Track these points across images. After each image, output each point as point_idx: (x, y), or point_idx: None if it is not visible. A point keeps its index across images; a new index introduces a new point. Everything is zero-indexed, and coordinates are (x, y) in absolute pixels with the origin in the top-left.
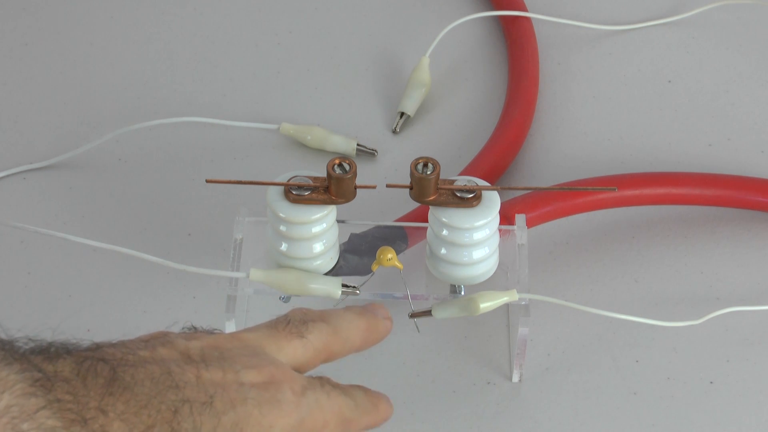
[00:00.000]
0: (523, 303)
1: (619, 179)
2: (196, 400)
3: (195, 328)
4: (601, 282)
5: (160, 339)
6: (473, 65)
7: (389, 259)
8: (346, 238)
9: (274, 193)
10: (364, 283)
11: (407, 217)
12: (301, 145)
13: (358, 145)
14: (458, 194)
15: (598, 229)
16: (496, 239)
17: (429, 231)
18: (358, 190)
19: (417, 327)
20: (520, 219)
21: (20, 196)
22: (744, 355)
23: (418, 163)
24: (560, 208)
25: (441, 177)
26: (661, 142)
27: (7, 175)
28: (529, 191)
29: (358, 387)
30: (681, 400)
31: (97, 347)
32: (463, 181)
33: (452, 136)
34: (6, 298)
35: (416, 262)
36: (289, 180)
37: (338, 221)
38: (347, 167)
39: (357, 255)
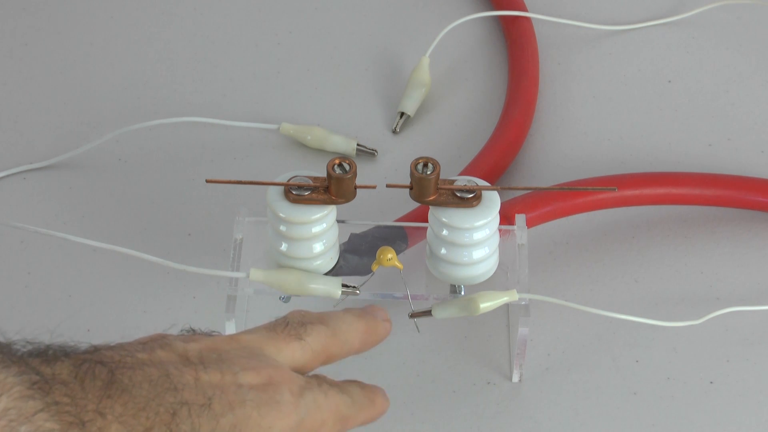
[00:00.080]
0: (523, 303)
1: (619, 179)
2: (195, 403)
3: (193, 330)
4: (601, 282)
5: (158, 341)
6: (473, 65)
7: (389, 259)
8: (346, 238)
9: (274, 193)
10: (364, 283)
11: (407, 217)
12: (301, 145)
13: (358, 145)
14: (458, 194)
15: (598, 229)
16: (496, 239)
17: (429, 231)
18: (358, 190)
19: (417, 327)
20: (520, 219)
21: (20, 196)
22: (744, 355)
23: (418, 163)
24: (560, 208)
25: (441, 177)
26: (661, 142)
27: (7, 175)
28: (529, 191)
29: (354, 383)
30: (681, 400)
31: (95, 350)
32: (463, 181)
33: (452, 136)
34: (6, 298)
35: (416, 262)
36: (289, 180)
37: (338, 221)
38: (347, 167)
39: (357, 255)
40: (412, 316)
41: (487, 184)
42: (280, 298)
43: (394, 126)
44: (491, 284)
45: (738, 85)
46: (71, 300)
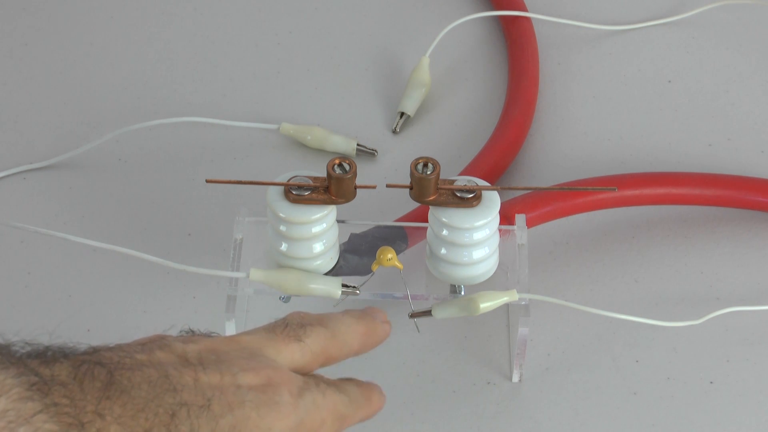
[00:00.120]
0: (523, 303)
1: (619, 179)
2: (194, 404)
3: (192, 331)
4: (601, 282)
5: (158, 342)
6: (473, 65)
7: (389, 259)
8: (346, 238)
9: (274, 193)
10: (364, 283)
11: (407, 217)
12: (301, 145)
13: (358, 145)
14: (458, 194)
15: (598, 229)
16: (496, 239)
17: (429, 231)
18: (358, 190)
19: (417, 327)
20: (520, 219)
21: (20, 196)
22: (744, 355)
23: (418, 163)
24: (560, 208)
25: (441, 177)
26: (661, 142)
27: (7, 175)
28: (529, 191)
29: (351, 381)
30: (681, 400)
31: (94, 351)
32: (463, 181)
33: (452, 136)
34: (6, 298)
35: (416, 262)
36: (289, 180)
37: (338, 221)
38: (347, 167)
39: (357, 255)
40: (412, 316)
41: (487, 184)
42: (280, 298)
43: (394, 126)
44: (491, 284)
45: (738, 85)
46: (71, 300)
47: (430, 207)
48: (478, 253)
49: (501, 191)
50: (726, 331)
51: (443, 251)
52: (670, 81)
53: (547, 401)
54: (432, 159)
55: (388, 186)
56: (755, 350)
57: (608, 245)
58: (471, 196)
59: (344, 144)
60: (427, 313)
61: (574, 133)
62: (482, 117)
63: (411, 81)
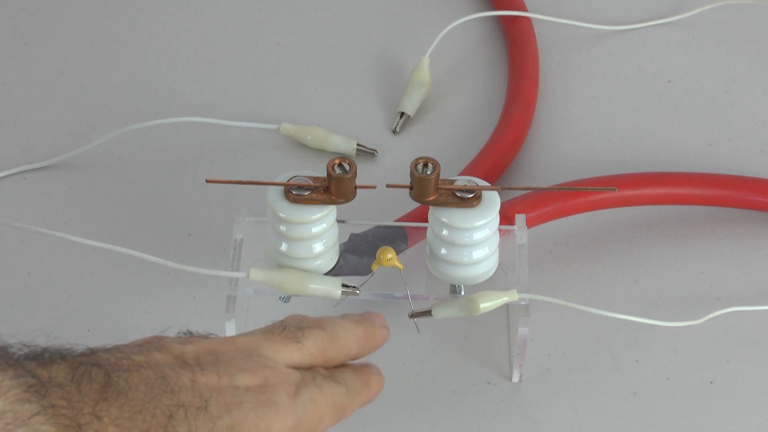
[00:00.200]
0: (523, 303)
1: (619, 179)
2: (191, 405)
3: (190, 332)
4: (601, 282)
5: (155, 343)
6: (473, 65)
7: (389, 259)
8: (346, 238)
9: (274, 193)
10: (364, 283)
11: (407, 217)
12: (301, 145)
13: (358, 145)
14: (458, 194)
15: (598, 229)
16: (496, 239)
17: (429, 231)
18: (358, 190)
19: (417, 327)
20: (520, 219)
21: (20, 196)
22: (744, 355)
23: (418, 163)
24: (560, 208)
25: (441, 177)
26: (661, 142)
27: (7, 175)
28: (529, 191)
29: (347, 368)
30: (681, 400)
31: (92, 352)
32: (463, 181)
33: (452, 136)
34: (6, 298)
35: (416, 262)
36: (289, 180)
37: (338, 221)
38: (347, 167)
39: (357, 255)
40: (412, 316)
41: (487, 184)
42: (280, 298)
43: (394, 126)
44: (491, 284)
45: (738, 85)
46: (71, 300)
47: (430, 207)
48: (478, 253)
49: (501, 191)
50: (726, 331)
51: (443, 251)
52: (670, 81)
53: (547, 401)
54: (432, 159)
55: (388, 186)
56: (755, 350)
57: (608, 245)
58: (471, 196)
59: (344, 144)
60: (427, 313)
61: (574, 133)
62: (482, 117)
63: (411, 81)
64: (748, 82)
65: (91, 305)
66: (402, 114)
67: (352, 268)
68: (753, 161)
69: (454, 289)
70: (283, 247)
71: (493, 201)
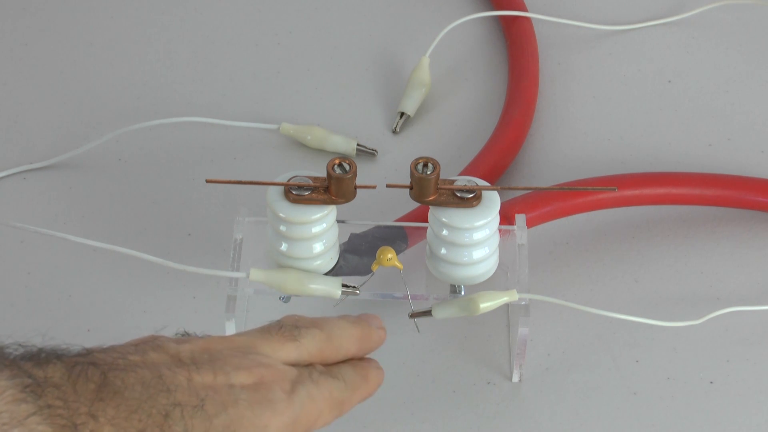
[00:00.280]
0: (523, 303)
1: (619, 179)
2: (188, 404)
3: (187, 333)
4: (601, 282)
5: (151, 343)
6: (473, 65)
7: (389, 259)
8: (346, 238)
9: (274, 193)
10: (364, 283)
11: (407, 217)
12: (301, 145)
13: (358, 145)
14: (458, 194)
15: (598, 229)
16: (496, 239)
17: (429, 231)
18: (358, 190)
19: (417, 327)
20: (520, 219)
21: (20, 196)
22: (744, 355)
23: (418, 163)
24: (560, 208)
25: (441, 177)
26: (661, 142)
27: (7, 175)
28: (529, 191)
29: (345, 363)
30: (681, 400)
31: (88, 352)
32: (463, 181)
33: (452, 136)
34: (6, 298)
35: (416, 262)
36: (289, 180)
37: (338, 221)
38: (347, 167)
39: (357, 255)
40: (412, 316)
41: (487, 184)
42: (280, 298)
43: (394, 126)
44: (491, 284)
45: (738, 85)
46: (71, 300)
47: (430, 207)
48: (478, 253)
49: (501, 191)
50: (726, 331)
51: (443, 251)
52: (670, 81)
53: (547, 401)
54: (432, 159)
55: (388, 186)
56: (755, 350)
57: (608, 245)
58: (471, 196)
59: (344, 144)
60: (427, 313)
61: (574, 133)
62: (482, 117)
63: (411, 81)
64: (748, 82)
65: (91, 305)
66: (402, 114)
67: (352, 268)
68: (753, 161)
69: (454, 289)
70: (283, 247)
71: (493, 201)
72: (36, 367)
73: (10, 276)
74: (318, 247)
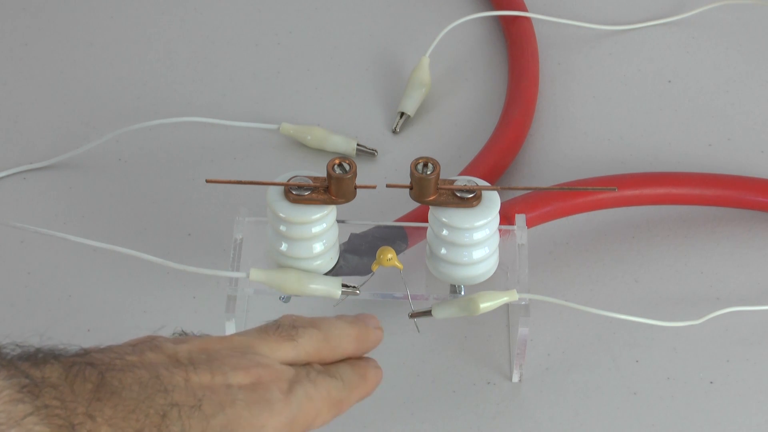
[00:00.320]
0: (523, 303)
1: (619, 179)
2: (185, 404)
3: (185, 333)
4: (601, 282)
5: (148, 343)
6: (473, 65)
7: (389, 259)
8: (346, 238)
9: (274, 193)
10: (364, 283)
11: (407, 217)
12: (301, 145)
13: (358, 145)
14: (458, 194)
15: (598, 229)
16: (496, 239)
17: (429, 231)
18: (358, 190)
19: (417, 327)
20: (520, 219)
21: (20, 196)
22: (744, 355)
23: (418, 163)
24: (560, 208)
25: (441, 177)
26: (661, 142)
27: (7, 175)
28: (529, 191)
29: (343, 362)
30: (681, 400)
31: (85, 352)
32: (463, 181)
33: (452, 136)
34: (6, 298)
35: (416, 262)
36: (289, 180)
37: (338, 221)
38: (347, 167)
39: (357, 255)
40: (412, 316)
41: (487, 184)
42: (280, 298)
43: (394, 126)
44: (491, 284)
45: (738, 85)
46: (71, 300)
47: (430, 207)
48: (478, 253)
49: (501, 191)
50: (726, 331)
51: (443, 251)
52: (670, 81)
53: (547, 401)
54: (432, 159)
55: (388, 186)
56: (755, 350)
57: (608, 245)
58: (471, 196)
59: (344, 144)
60: (427, 313)
61: (574, 133)
62: (482, 117)
63: (411, 81)
64: (748, 82)
65: (91, 305)
66: (402, 114)
67: (352, 268)
68: (753, 161)
69: (454, 289)
70: (283, 247)
71: (493, 201)
72: (33, 368)
73: (10, 276)
74: (318, 247)
